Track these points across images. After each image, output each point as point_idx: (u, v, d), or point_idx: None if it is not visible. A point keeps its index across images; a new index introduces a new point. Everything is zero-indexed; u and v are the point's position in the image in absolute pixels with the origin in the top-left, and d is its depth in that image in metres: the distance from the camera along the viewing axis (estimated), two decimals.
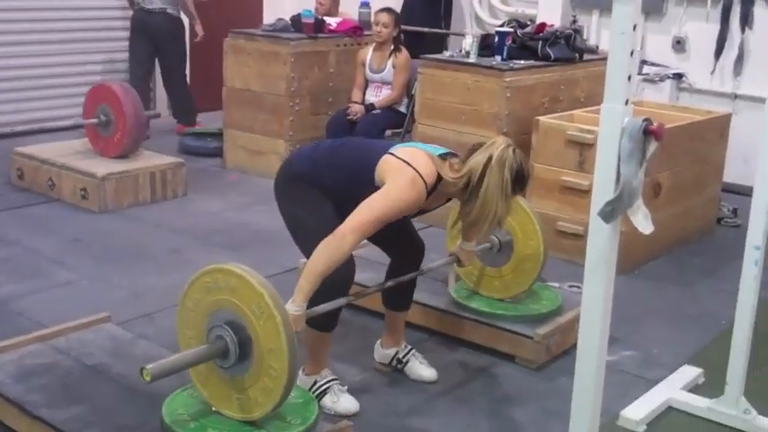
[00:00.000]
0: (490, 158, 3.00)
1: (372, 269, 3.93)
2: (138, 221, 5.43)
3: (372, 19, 6.33)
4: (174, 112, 7.76)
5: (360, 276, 3.85)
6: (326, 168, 3.18)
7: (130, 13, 7.50)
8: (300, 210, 3.20)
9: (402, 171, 3.02)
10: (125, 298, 4.25)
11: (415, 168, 3.02)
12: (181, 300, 2.81)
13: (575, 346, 2.56)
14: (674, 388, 3.50)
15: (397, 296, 3.52)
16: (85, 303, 4.06)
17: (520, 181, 3.06)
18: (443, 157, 3.11)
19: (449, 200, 3.26)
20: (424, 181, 3.01)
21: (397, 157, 3.06)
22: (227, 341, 2.66)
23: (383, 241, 3.47)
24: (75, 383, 3.08)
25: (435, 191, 3.08)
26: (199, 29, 7.55)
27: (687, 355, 3.88)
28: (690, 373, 3.64)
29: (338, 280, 3.06)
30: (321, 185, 3.17)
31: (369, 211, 2.93)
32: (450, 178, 3.05)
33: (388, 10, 6.28)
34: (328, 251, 2.87)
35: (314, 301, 3.05)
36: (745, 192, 6.31)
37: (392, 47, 6.21)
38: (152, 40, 7.35)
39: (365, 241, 3.67)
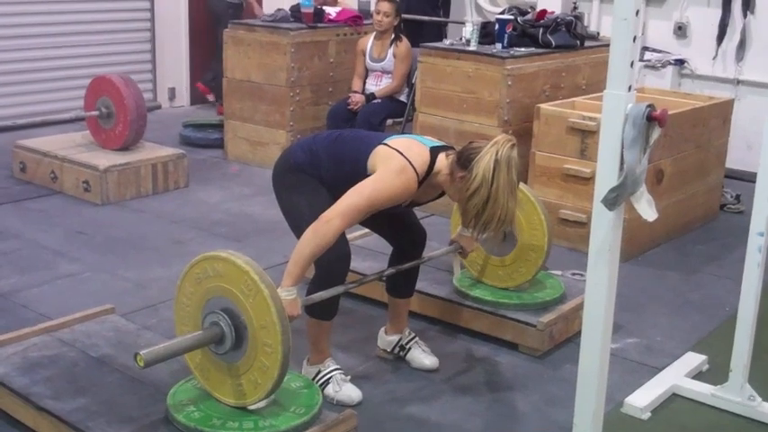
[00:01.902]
0: (498, 160, 2.95)
1: (374, 258, 3.93)
2: (141, 213, 5.43)
3: (373, 8, 6.32)
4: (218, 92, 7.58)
5: (362, 265, 3.88)
6: (324, 159, 3.19)
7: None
8: (297, 198, 3.21)
9: (392, 160, 3.03)
10: (129, 289, 4.25)
11: (406, 158, 3.02)
12: (176, 297, 2.85)
13: (578, 333, 2.56)
14: (679, 375, 3.50)
15: (400, 283, 3.53)
16: (89, 295, 4.07)
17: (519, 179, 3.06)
18: (437, 149, 3.11)
19: (441, 194, 3.26)
20: (415, 171, 3.02)
21: (390, 147, 3.08)
22: (222, 325, 2.69)
23: (384, 229, 3.48)
24: (80, 375, 3.08)
25: (427, 182, 3.08)
26: (257, 9, 7.86)
27: (691, 342, 3.88)
28: (694, 359, 3.64)
29: (335, 269, 3.10)
30: (318, 176, 3.19)
31: (356, 196, 2.95)
32: (446, 176, 3.06)
33: None
34: (314, 235, 2.89)
35: (312, 290, 3.06)
36: (749, 178, 6.32)
37: (393, 36, 6.19)
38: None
39: (367, 230, 3.68)
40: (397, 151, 3.05)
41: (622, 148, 2.24)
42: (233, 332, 2.68)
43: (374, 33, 6.25)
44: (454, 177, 3.05)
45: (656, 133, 2.25)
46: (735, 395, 3.27)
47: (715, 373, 3.51)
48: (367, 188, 2.97)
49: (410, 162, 3.02)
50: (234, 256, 2.68)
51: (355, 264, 3.89)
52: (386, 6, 6.13)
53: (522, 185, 3.86)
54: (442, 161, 3.09)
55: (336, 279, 3.13)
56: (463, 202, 3.03)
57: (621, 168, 2.25)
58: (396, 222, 3.42)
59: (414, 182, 3.03)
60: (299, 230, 3.08)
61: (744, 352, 3.21)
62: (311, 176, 3.19)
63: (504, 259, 3.87)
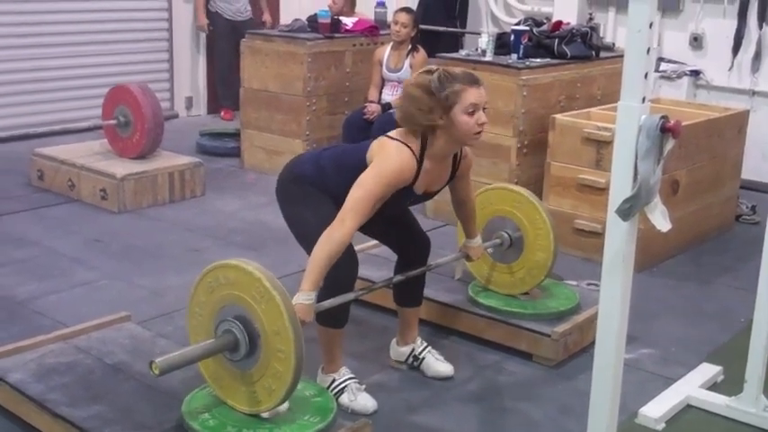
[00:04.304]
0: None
1: (389, 267, 3.92)
2: (157, 221, 5.46)
3: (391, 18, 6.34)
4: (234, 100, 7.55)
5: (374, 274, 3.89)
6: (330, 171, 3.24)
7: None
8: (302, 209, 3.24)
9: (386, 145, 3.11)
10: (145, 297, 4.27)
11: (398, 140, 3.10)
12: (188, 307, 2.87)
13: (593, 344, 2.56)
14: (693, 386, 3.50)
15: (407, 292, 3.55)
16: (105, 303, 4.10)
17: (453, 76, 3.08)
18: None
19: (452, 178, 3.30)
20: (410, 148, 3.08)
21: (383, 137, 3.17)
22: (235, 332, 2.70)
23: (387, 237, 3.54)
24: (96, 382, 3.10)
25: (429, 156, 3.12)
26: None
27: (706, 352, 3.87)
28: (709, 370, 3.63)
29: (342, 276, 3.12)
30: (324, 187, 3.22)
31: (360, 189, 2.99)
32: (442, 131, 3.10)
33: (407, 10, 6.29)
34: (329, 237, 2.92)
35: (320, 298, 3.08)
36: (764, 188, 6.32)
37: (410, 46, 6.21)
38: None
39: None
40: (389, 137, 3.13)
41: (636, 159, 2.25)
42: (246, 339, 2.69)
43: (391, 43, 6.27)
44: (443, 121, 3.08)
45: (670, 144, 2.26)
46: (750, 406, 3.26)
47: (730, 384, 3.50)
48: (368, 177, 3.02)
49: (403, 142, 3.09)
50: (244, 263, 2.70)
51: (369, 272, 3.92)
52: (404, 17, 6.15)
53: (515, 187, 3.91)
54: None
55: (345, 285, 3.15)
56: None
57: (635, 179, 2.26)
58: (399, 230, 3.47)
59: (410, 158, 3.07)
60: (305, 240, 3.11)
61: (759, 363, 3.20)
62: (316, 188, 3.23)
63: (511, 266, 3.88)
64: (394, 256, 3.61)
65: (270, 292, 2.62)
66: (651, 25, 2.21)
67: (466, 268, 3.89)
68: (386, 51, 6.28)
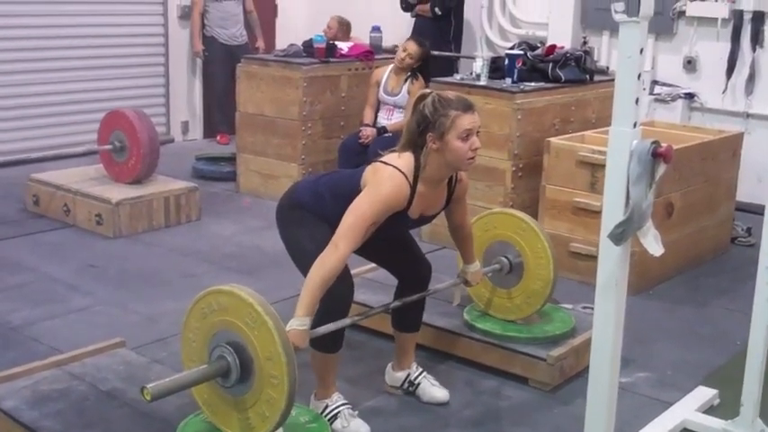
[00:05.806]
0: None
1: (385, 292, 3.94)
2: (153, 246, 5.46)
3: (401, 44, 6.33)
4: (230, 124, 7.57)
5: (370, 299, 3.89)
6: (328, 200, 3.24)
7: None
8: (301, 234, 3.25)
9: (379, 170, 3.12)
10: (140, 323, 4.26)
11: (391, 164, 3.10)
12: (182, 333, 2.85)
13: (589, 367, 2.55)
14: (689, 409, 3.49)
15: (406, 317, 3.54)
16: (100, 328, 4.08)
17: (447, 102, 3.11)
18: None
19: (449, 202, 3.31)
20: (402, 173, 3.08)
21: (376, 162, 3.17)
22: (227, 356, 2.69)
23: (388, 262, 3.53)
24: (90, 409, 3.09)
25: (424, 180, 3.14)
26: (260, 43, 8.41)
27: (702, 376, 3.86)
28: (705, 394, 3.62)
29: (337, 300, 3.12)
30: (322, 214, 3.23)
31: (352, 216, 3.00)
32: (433, 152, 3.11)
33: (419, 42, 6.24)
34: (322, 262, 2.93)
35: (315, 323, 3.07)
36: (759, 211, 6.31)
37: (410, 73, 6.21)
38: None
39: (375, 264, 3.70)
40: (382, 162, 3.13)
41: (628, 183, 2.25)
42: (238, 365, 2.68)
43: (391, 66, 6.27)
44: (437, 146, 3.10)
45: (662, 169, 2.27)
46: (746, 430, 3.25)
47: (726, 407, 3.49)
48: (361, 203, 3.03)
49: (396, 167, 3.09)
50: (237, 288, 2.70)
51: (365, 297, 3.92)
52: (413, 48, 6.12)
53: (519, 213, 3.90)
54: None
55: (340, 310, 3.14)
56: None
57: (627, 204, 2.26)
58: (400, 255, 3.47)
59: (403, 183, 3.08)
60: (301, 263, 3.12)
61: (754, 386, 3.19)
62: (314, 215, 3.24)
63: (510, 291, 3.87)
64: (391, 280, 3.61)
65: (262, 317, 2.61)
66: (642, 51, 2.22)
67: (465, 293, 3.88)
68: (385, 73, 6.28)
